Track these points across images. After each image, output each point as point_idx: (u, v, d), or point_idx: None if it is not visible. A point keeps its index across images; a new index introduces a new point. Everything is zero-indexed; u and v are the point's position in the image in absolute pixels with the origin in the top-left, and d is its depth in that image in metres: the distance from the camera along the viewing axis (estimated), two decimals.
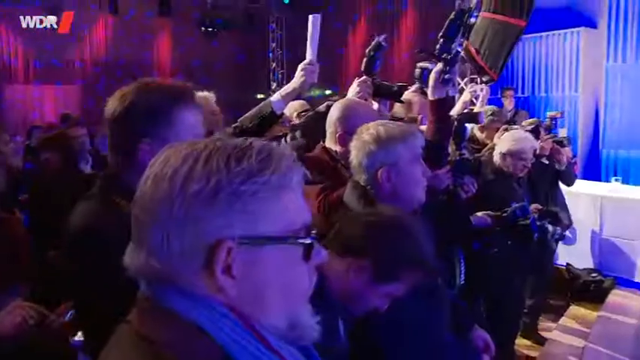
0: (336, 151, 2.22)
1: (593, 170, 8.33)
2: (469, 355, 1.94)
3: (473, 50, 3.55)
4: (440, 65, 2.19)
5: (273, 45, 13.60)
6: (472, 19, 2.22)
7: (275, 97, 2.30)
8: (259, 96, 10.93)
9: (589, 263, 5.83)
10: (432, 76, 2.23)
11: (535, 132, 3.37)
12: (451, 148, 2.64)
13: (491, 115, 3.51)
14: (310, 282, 0.86)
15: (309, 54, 2.26)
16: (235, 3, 12.40)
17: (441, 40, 2.17)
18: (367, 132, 1.82)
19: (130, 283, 0.82)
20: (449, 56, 2.15)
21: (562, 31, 8.51)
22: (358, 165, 1.83)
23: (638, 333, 4.56)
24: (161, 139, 1.39)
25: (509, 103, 7.71)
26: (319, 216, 1.94)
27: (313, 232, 0.84)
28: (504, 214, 2.91)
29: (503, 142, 3.27)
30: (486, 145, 3.44)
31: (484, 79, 3.76)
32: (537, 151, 3.92)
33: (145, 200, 0.78)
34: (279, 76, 13.15)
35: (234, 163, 0.77)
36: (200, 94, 2.78)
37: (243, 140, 0.81)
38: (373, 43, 2.57)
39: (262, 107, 2.30)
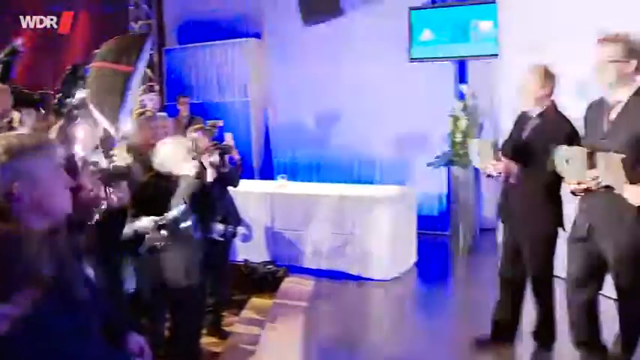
0: None
1: (268, 170, 9.08)
2: None
3: (90, 105, 3.40)
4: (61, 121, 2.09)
5: None
6: (86, 73, 2.23)
7: None
8: None
9: (265, 256, 6.32)
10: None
11: None
12: (102, 157, 2.59)
13: (140, 118, 3.48)
14: None
15: None
16: None
17: (60, 94, 2.09)
18: None
19: None
20: (67, 110, 2.07)
21: (230, 41, 9.04)
22: None
23: (307, 312, 5.13)
24: None
25: (184, 110, 7.92)
26: None
27: None
28: (166, 218, 2.95)
29: (157, 153, 3.28)
30: (146, 149, 3.39)
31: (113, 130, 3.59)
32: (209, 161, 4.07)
33: None
34: None
35: None
36: None
37: None
38: (7, 47, 2.38)
39: None
